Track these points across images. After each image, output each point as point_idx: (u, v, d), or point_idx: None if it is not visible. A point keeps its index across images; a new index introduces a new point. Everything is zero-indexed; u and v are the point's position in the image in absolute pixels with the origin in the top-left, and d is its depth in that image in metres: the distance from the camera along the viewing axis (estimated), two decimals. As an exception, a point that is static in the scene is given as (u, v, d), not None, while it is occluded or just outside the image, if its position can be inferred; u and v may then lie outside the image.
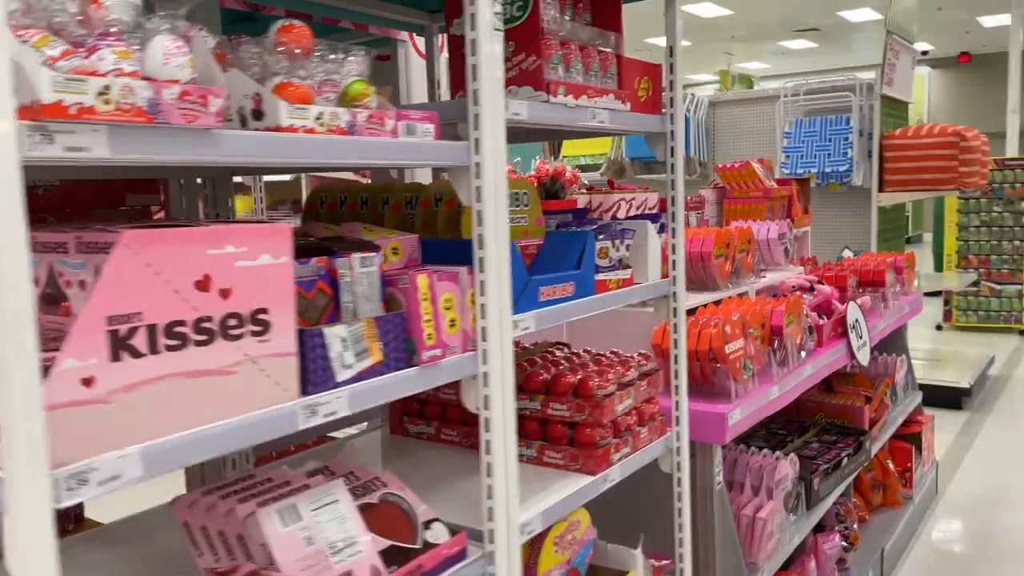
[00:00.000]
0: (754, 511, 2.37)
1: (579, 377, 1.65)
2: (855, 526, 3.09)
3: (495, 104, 1.23)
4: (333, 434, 2.13)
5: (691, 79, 22.40)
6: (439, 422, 1.84)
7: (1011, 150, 11.94)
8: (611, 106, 1.57)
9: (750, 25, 15.80)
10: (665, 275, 1.82)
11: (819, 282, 3.15)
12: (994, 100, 16.20)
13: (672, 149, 1.79)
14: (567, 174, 2.76)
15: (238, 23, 2.23)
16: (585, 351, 1.92)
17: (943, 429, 5.12)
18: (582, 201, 2.92)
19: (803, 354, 2.71)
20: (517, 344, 2.03)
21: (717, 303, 2.71)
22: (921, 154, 5.56)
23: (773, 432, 3.21)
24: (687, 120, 6.49)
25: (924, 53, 18.72)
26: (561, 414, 1.64)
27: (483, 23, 1.17)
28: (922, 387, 5.62)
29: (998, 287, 7.95)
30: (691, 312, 2.56)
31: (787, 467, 2.60)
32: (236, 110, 0.96)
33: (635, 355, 1.83)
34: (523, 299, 1.39)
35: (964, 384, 5.55)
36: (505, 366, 1.27)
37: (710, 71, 20.81)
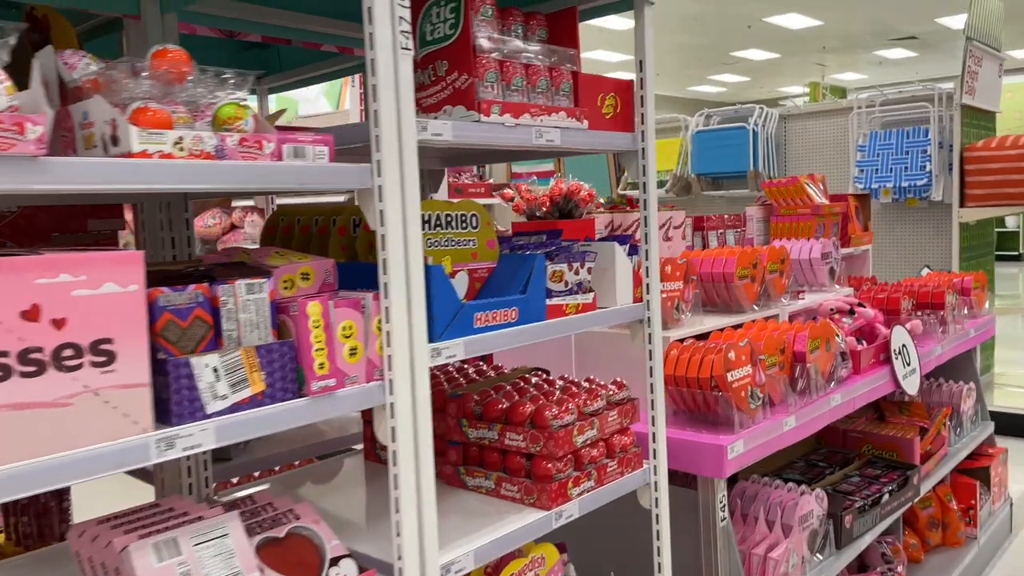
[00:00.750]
0: (766, 550, 2.22)
1: (536, 406, 1.58)
2: (900, 568, 2.86)
3: (405, 124, 1.19)
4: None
5: (781, 91, 21.76)
6: (407, 449, 1.80)
7: None
8: (563, 124, 1.50)
9: (841, 35, 15.23)
10: (638, 299, 1.73)
11: (860, 304, 2.95)
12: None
13: (644, 168, 1.70)
14: (582, 192, 2.68)
15: (248, 51, 2.29)
16: (562, 378, 1.84)
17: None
18: (601, 221, 2.84)
19: (832, 383, 2.53)
20: (497, 370, 1.97)
21: (738, 326, 2.58)
22: (1004, 166, 5.19)
23: (812, 464, 3.02)
24: (755, 134, 6.28)
25: (1036, 58, 17.57)
26: (518, 444, 1.57)
27: (381, 43, 1.14)
28: (1005, 415, 5.23)
29: (1108, 308, 7.31)
30: (704, 336, 2.44)
31: (812, 503, 2.43)
32: (99, 136, 0.96)
33: (610, 383, 1.74)
34: (454, 325, 1.34)
35: (1056, 414, 5.10)
36: (418, 395, 1.22)
37: (802, 83, 20.18)
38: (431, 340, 1.30)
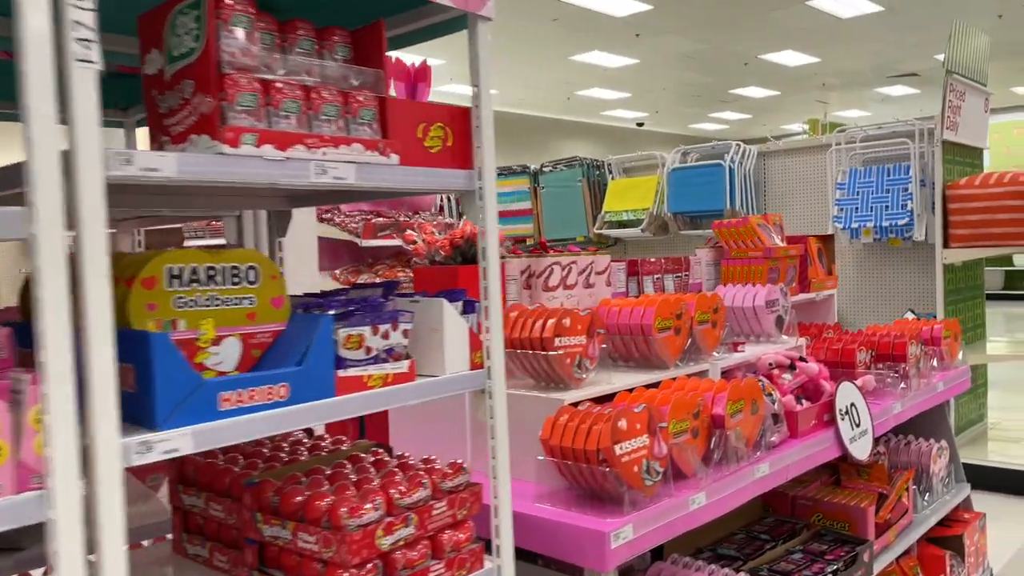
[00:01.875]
0: (665, 653, 1.92)
1: (335, 499, 1.31)
2: (850, 659, 2.53)
3: (84, 156, 0.93)
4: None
5: (784, 128, 21.57)
6: (213, 543, 1.52)
7: None
8: (359, 158, 1.25)
9: (839, 72, 15.07)
10: (477, 365, 1.45)
11: (802, 358, 2.66)
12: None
13: (483, 211, 1.43)
14: (487, 235, 2.42)
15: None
16: (399, 457, 1.57)
17: (1019, 523, 4.36)
18: (514, 267, 2.58)
19: (760, 450, 2.24)
20: (337, 444, 1.69)
21: (654, 385, 2.29)
22: (989, 205, 4.91)
23: (754, 536, 2.71)
24: (731, 171, 6.03)
25: (1040, 95, 17.37)
26: (311, 548, 1.29)
27: (34, 48, 0.89)
28: (999, 471, 4.88)
29: (1111, 353, 6.94)
30: (611, 397, 2.16)
31: (731, 591, 2.13)
32: None
33: (447, 465, 1.46)
34: (185, 409, 1.07)
35: (1052, 469, 4.74)
36: (101, 505, 0.95)
37: (804, 120, 20.01)
38: (154, 427, 1.04)
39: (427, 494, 1.37)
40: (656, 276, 3.11)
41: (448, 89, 14.03)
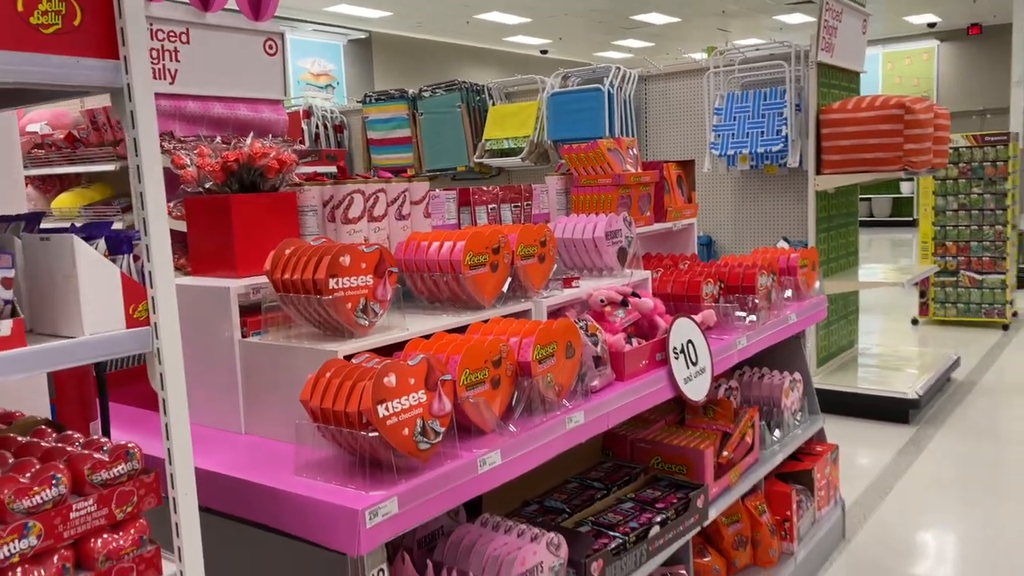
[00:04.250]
0: (452, 630, 1.71)
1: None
2: (682, 608, 2.40)
3: None
4: None
5: (687, 58, 21.42)
6: None
7: (1015, 125, 10.98)
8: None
9: (739, -2, 14.90)
10: (139, 321, 1.15)
11: (634, 294, 2.45)
12: (1005, 74, 15.18)
13: (133, 117, 1.10)
14: (272, 156, 2.08)
15: None
16: (79, 436, 1.25)
17: (880, 451, 4.40)
18: (313, 196, 2.25)
19: (567, 401, 2.02)
20: (8, 419, 1.37)
21: (462, 330, 2.04)
22: (861, 130, 4.81)
23: (587, 484, 2.54)
24: (610, 96, 5.76)
25: (931, 25, 17.69)
26: None
27: None
28: (864, 397, 4.91)
29: (979, 277, 7.14)
30: (402, 346, 1.89)
31: (539, 553, 1.93)
32: None
33: (107, 451, 1.16)
34: None
35: (911, 394, 4.79)
36: None
37: (702, 49, 19.88)
38: None
39: (59, 493, 1.06)
40: (491, 206, 2.84)
41: None
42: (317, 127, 7.64)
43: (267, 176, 2.12)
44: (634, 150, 3.32)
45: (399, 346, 1.90)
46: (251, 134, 2.24)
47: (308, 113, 7.58)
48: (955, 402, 5.19)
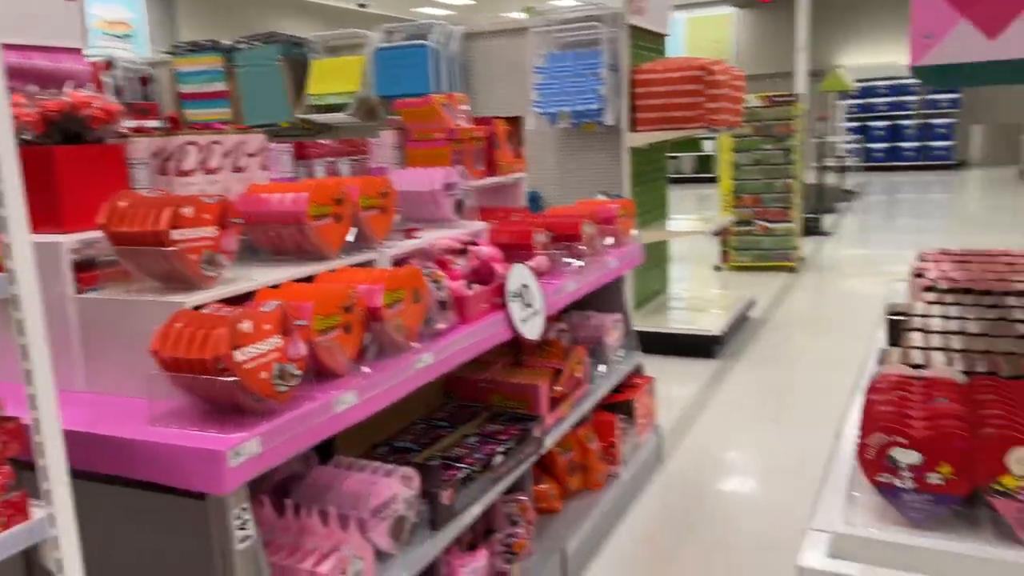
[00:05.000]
0: (315, 563, 1.79)
1: None
2: (523, 528, 2.62)
3: None
4: None
5: (506, 16, 21.68)
6: None
7: (799, 87, 12.12)
8: None
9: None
10: (-4, 269, 1.14)
11: (473, 242, 2.59)
12: (792, 40, 16.65)
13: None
14: (96, 105, 2.00)
15: None
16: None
17: (689, 383, 4.87)
18: (141, 148, 2.18)
19: (416, 344, 2.13)
20: None
21: (310, 280, 2.09)
22: (668, 89, 5.18)
23: (433, 425, 2.67)
24: (436, 53, 5.81)
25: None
26: None
27: None
28: (676, 336, 5.39)
29: (770, 225, 7.94)
30: (251, 296, 1.92)
31: (393, 486, 2.05)
32: None
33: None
34: None
35: (716, 331, 5.33)
36: None
37: (520, 8, 20.18)
38: None
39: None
40: (329, 160, 2.86)
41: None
42: (119, 80, 7.12)
43: (91, 127, 2.04)
44: (466, 106, 3.43)
45: (245, 299, 1.93)
46: (70, 83, 2.13)
47: (109, 64, 7.04)
48: (752, 337, 5.81)
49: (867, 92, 18.01)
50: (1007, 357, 1.44)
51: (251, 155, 2.41)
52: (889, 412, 1.16)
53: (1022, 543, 1.06)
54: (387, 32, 6.12)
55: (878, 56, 18.73)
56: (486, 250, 2.60)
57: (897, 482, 1.12)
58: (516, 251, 2.92)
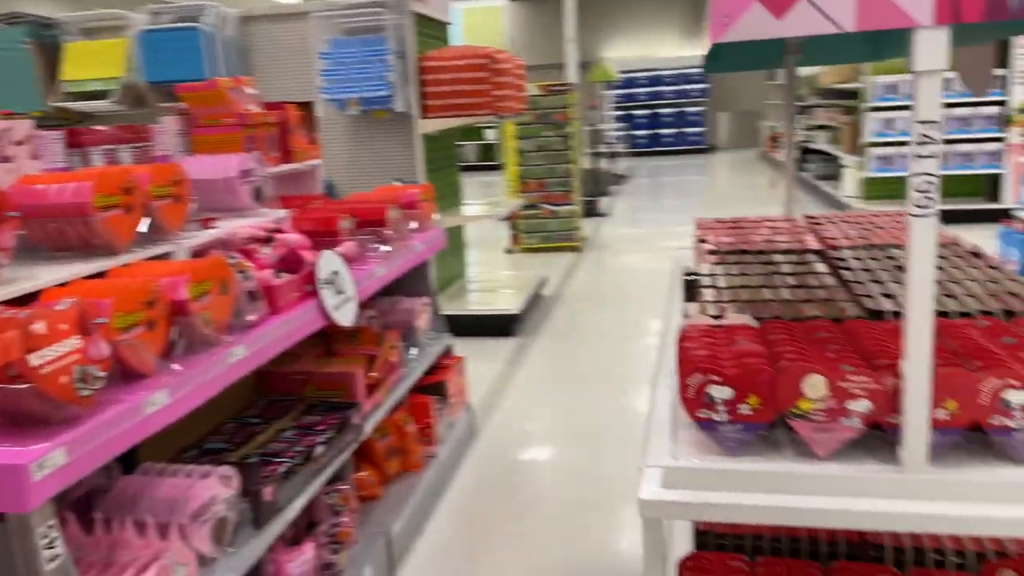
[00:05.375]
0: (135, 574, 1.67)
1: None
2: (347, 517, 2.59)
3: None
4: None
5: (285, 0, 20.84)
6: None
7: (571, 77, 12.77)
8: None
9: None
10: None
11: (278, 231, 2.51)
12: (560, 32, 17.48)
13: None
14: None
15: None
16: None
17: (493, 361, 5.02)
18: None
19: (227, 337, 2.04)
20: None
21: (101, 276, 1.92)
22: (455, 77, 5.28)
23: (245, 423, 2.56)
24: (211, 36, 5.49)
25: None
26: None
27: None
28: (478, 317, 5.53)
29: (555, 208, 8.33)
30: (35, 296, 1.74)
31: (213, 488, 1.95)
32: None
33: None
34: None
35: (514, 310, 5.53)
36: None
37: (297, -7, 19.53)
38: None
39: None
40: (108, 148, 2.63)
41: None
42: None
43: None
44: (253, 90, 3.29)
45: (28, 301, 1.74)
46: None
47: None
48: (546, 314, 6.09)
49: (629, 83, 19.35)
50: (785, 304, 1.65)
51: (19, 143, 2.16)
52: (703, 355, 1.30)
53: (817, 457, 1.24)
54: (153, 14, 5.68)
55: (637, 49, 20.18)
56: (293, 238, 2.53)
57: (714, 416, 1.26)
58: (322, 238, 2.86)
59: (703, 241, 2.21)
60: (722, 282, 1.81)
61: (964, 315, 1.52)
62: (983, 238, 3.22)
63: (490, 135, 17.79)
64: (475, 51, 5.27)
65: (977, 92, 8.12)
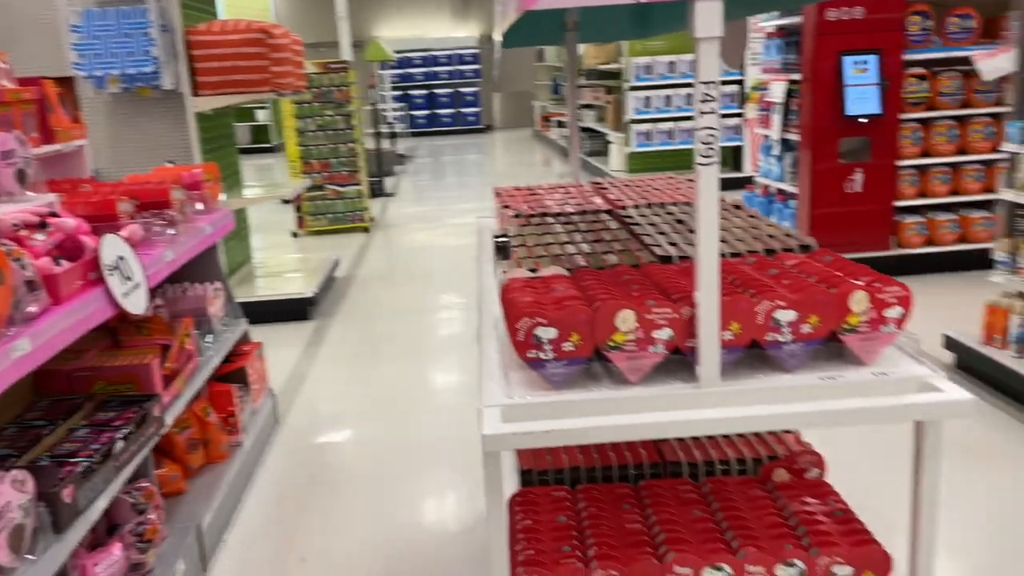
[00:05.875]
0: (-78, 597, 1.50)
1: None
2: (154, 514, 2.45)
3: None
4: None
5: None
6: None
7: (345, 55, 12.53)
8: None
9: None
10: None
11: (53, 214, 2.30)
12: (329, 10, 17.04)
13: None
14: None
15: None
16: None
17: (292, 345, 4.90)
18: None
19: (8, 331, 1.86)
20: None
21: None
22: (230, 52, 5.03)
23: (28, 427, 2.34)
24: (-69, 4, 4.78)
25: (261, -42, 18.58)
26: None
27: None
28: (269, 303, 5.36)
29: (341, 189, 8.20)
30: None
31: (6, 493, 1.78)
32: None
33: None
34: None
35: (308, 293, 5.42)
36: None
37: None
38: None
39: None
40: None
41: None
42: None
43: None
44: (4, 64, 2.96)
45: None
46: None
47: None
48: (341, 295, 6.03)
49: (405, 63, 19.34)
50: (589, 256, 1.80)
51: None
52: (528, 302, 1.39)
53: (630, 383, 1.39)
54: None
55: (410, 29, 20.17)
56: (71, 222, 2.33)
57: (542, 355, 1.36)
58: (100, 222, 2.66)
59: (507, 207, 2.33)
60: (530, 241, 1.93)
61: (735, 255, 1.75)
62: (736, 198, 3.64)
63: (262, 116, 17.02)
64: (249, 25, 5.05)
65: (732, 65, 9.08)
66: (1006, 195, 3.75)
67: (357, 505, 3.07)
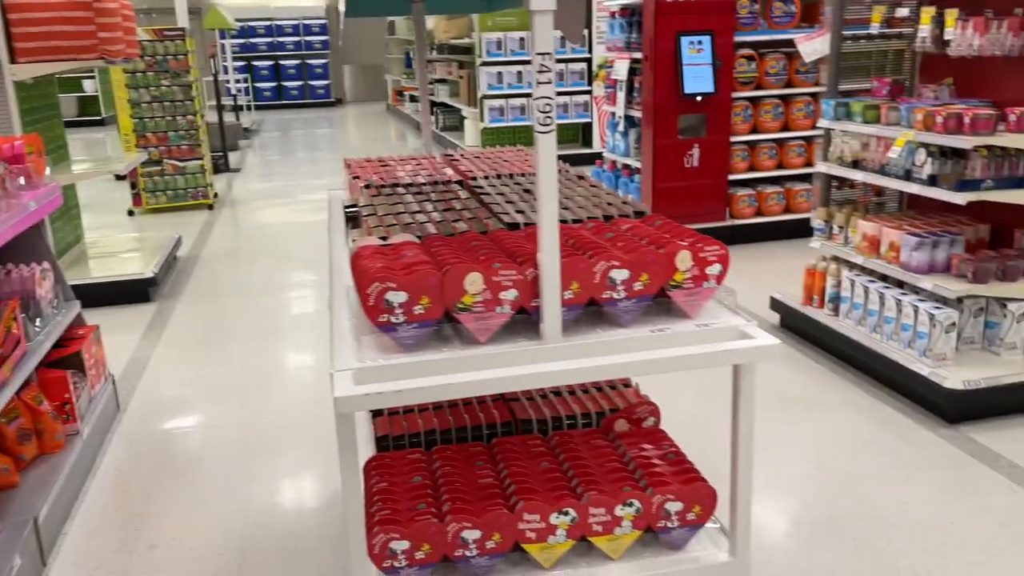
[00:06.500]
0: None
1: None
2: (-15, 511, 2.30)
3: None
4: None
5: None
6: None
7: (182, 21, 11.81)
8: None
9: None
10: None
11: None
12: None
13: None
14: None
15: None
16: None
17: (131, 329, 4.65)
18: None
19: None
20: None
21: None
22: (51, 16, 4.66)
23: None
24: None
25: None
26: None
27: None
28: (105, 285, 5.05)
29: (181, 164, 7.80)
30: None
31: None
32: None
33: None
34: None
35: (148, 274, 5.15)
36: None
37: None
38: None
39: None
40: None
41: None
42: None
43: None
44: None
45: None
46: None
47: None
48: (185, 275, 5.76)
49: (248, 32, 18.49)
50: (439, 223, 1.84)
51: None
52: (379, 267, 1.42)
53: (479, 343, 1.45)
54: None
55: (252, -2, 19.26)
56: None
57: (393, 319, 1.39)
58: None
59: (356, 177, 2.32)
60: (381, 210, 1.94)
61: (576, 221, 1.84)
62: (583, 171, 3.78)
63: (90, 87, 15.81)
64: (73, -13, 4.69)
65: (574, 41, 9.29)
66: (821, 167, 4.11)
67: (208, 489, 2.99)
